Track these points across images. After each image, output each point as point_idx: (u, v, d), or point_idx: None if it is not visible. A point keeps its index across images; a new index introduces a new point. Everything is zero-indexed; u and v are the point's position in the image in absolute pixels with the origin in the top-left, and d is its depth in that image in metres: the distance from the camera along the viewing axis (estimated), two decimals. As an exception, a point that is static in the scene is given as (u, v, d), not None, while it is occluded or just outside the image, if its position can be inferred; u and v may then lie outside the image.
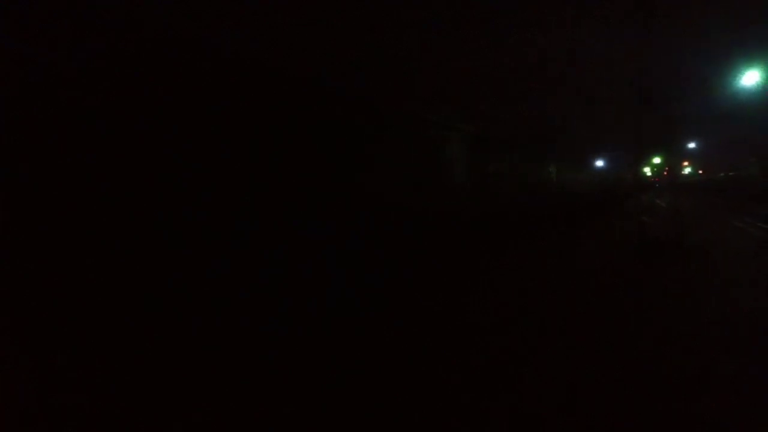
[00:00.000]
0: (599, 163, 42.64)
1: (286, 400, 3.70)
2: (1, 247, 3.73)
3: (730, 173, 45.07)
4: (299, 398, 3.72)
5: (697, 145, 55.91)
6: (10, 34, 4.04)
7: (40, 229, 3.95)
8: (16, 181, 3.91)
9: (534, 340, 4.85)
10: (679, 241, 10.05)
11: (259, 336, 4.48)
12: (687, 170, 67.33)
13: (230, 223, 4.97)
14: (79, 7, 4.59)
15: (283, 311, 4.70)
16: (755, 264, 7.57)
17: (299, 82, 6.31)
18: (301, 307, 4.86)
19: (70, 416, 3.31)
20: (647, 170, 52.86)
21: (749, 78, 18.88)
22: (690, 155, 62.78)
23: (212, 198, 5.00)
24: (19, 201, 3.88)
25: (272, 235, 5.21)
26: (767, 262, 7.84)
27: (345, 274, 5.47)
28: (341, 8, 6.12)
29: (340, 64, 7.13)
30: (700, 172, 67.51)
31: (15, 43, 4.04)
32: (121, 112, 4.64)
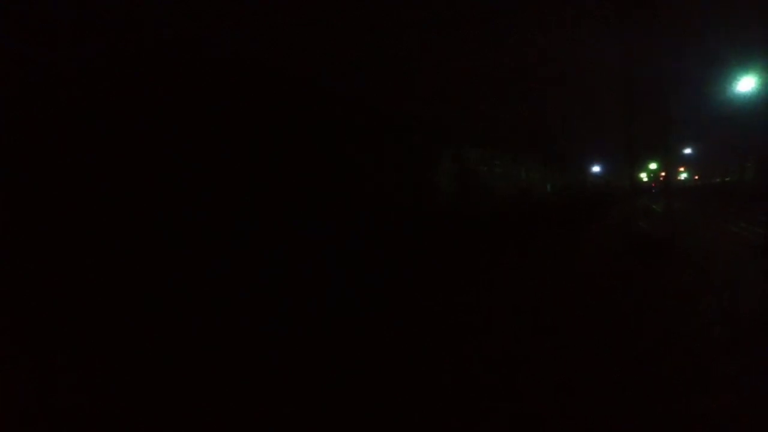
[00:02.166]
0: (596, 169, 42.84)
1: (286, 400, 3.69)
2: (1, 247, 3.72)
3: (726, 178, 45.31)
4: (299, 398, 3.71)
5: (692, 150, 56.29)
6: (10, 34, 4.03)
7: (39, 229, 3.94)
8: (16, 181, 3.90)
9: (530, 336, 4.86)
10: (673, 246, 10.09)
11: (259, 336, 4.46)
12: (683, 176, 67.58)
13: (230, 223, 4.96)
14: (79, 8, 4.59)
15: (283, 311, 4.69)
16: (749, 268, 7.59)
17: (298, 83, 6.30)
18: (301, 307, 4.85)
19: (70, 416, 3.29)
20: (643, 175, 53.09)
21: (745, 84, 19.04)
22: (686, 161, 63.15)
23: (212, 198, 4.98)
24: (18, 201, 3.87)
25: (272, 235, 5.19)
26: (761, 265, 7.87)
27: (345, 274, 5.47)
28: (339, 9, 6.16)
29: (339, 64, 7.16)
30: (696, 177, 67.81)
31: (15, 43, 4.04)
32: (121, 112, 4.64)
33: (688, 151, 56.24)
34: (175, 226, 4.60)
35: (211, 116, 5.20)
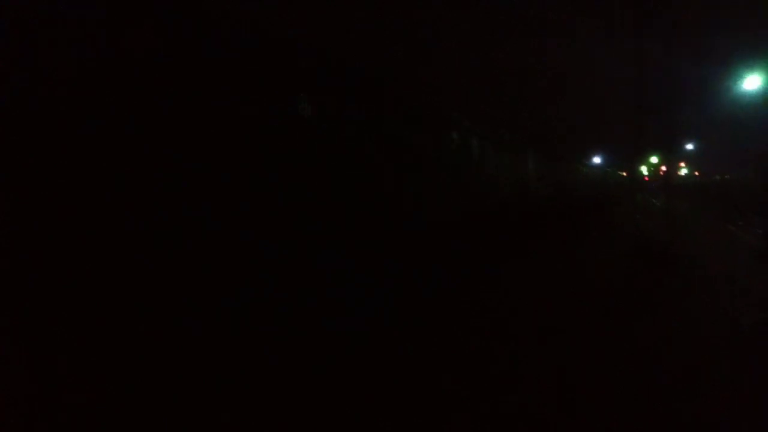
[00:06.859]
0: (596, 160, 42.62)
1: (285, 403, 3.71)
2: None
3: (726, 176, 45.36)
4: (299, 402, 3.72)
5: (694, 146, 56.14)
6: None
7: (34, 228, 3.89)
8: (11, 180, 3.84)
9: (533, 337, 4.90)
10: (673, 246, 10.12)
11: (259, 336, 4.42)
12: (683, 171, 67.54)
13: (234, 223, 4.86)
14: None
15: (285, 314, 4.66)
16: (746, 270, 7.62)
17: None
18: (303, 309, 4.82)
19: (67, 417, 3.27)
20: (643, 169, 52.97)
21: (750, 82, 18.90)
22: (687, 156, 62.98)
23: (217, 198, 4.86)
24: (13, 200, 3.82)
25: (275, 234, 5.12)
26: (758, 268, 7.90)
27: (349, 284, 5.37)
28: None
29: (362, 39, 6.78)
30: (696, 173, 67.80)
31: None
32: (114, 109, 4.55)
33: (689, 146, 56.07)
34: (175, 225, 4.51)
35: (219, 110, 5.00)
